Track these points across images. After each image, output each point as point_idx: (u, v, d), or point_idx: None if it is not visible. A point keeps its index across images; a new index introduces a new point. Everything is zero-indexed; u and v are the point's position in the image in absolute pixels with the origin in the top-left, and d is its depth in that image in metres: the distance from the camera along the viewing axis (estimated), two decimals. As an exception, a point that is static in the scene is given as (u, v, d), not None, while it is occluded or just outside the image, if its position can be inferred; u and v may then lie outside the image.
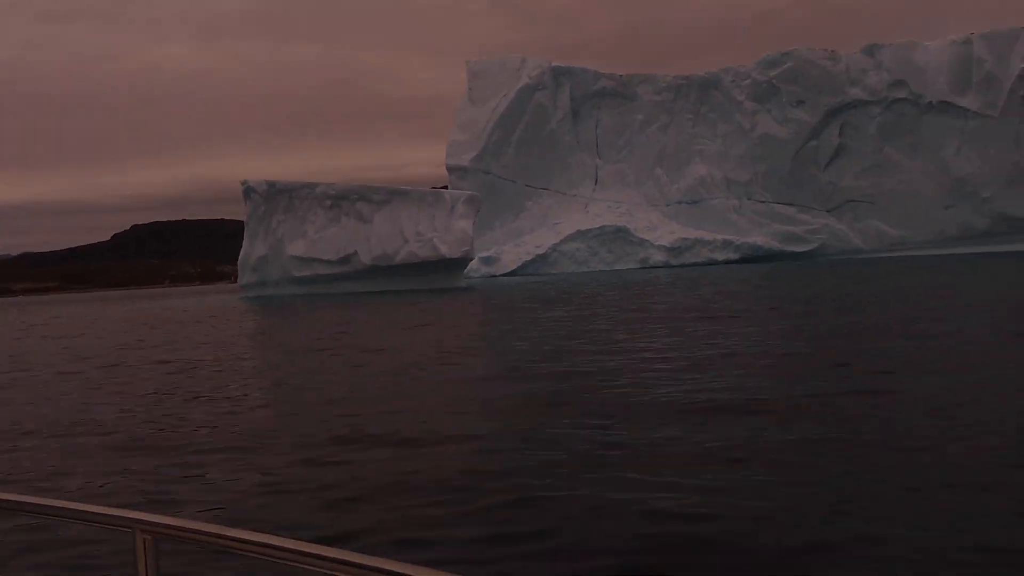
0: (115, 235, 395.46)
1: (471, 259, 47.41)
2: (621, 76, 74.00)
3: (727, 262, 67.94)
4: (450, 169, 73.27)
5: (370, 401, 10.00)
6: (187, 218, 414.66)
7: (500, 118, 72.24)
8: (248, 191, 50.07)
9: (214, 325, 28.41)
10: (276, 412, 9.94)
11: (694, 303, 24.40)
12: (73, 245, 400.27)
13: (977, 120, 60.59)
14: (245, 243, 51.41)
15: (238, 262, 52.40)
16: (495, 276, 69.62)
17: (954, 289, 24.98)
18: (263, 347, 19.60)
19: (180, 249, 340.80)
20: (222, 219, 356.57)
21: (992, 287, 24.75)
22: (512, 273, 70.17)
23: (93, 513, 1.89)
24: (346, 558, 1.52)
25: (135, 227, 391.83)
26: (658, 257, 69.28)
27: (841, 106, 65.24)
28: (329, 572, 1.53)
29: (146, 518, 1.82)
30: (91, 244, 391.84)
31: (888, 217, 64.73)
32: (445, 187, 72.79)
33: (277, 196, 48.82)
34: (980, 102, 60.34)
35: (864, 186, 65.37)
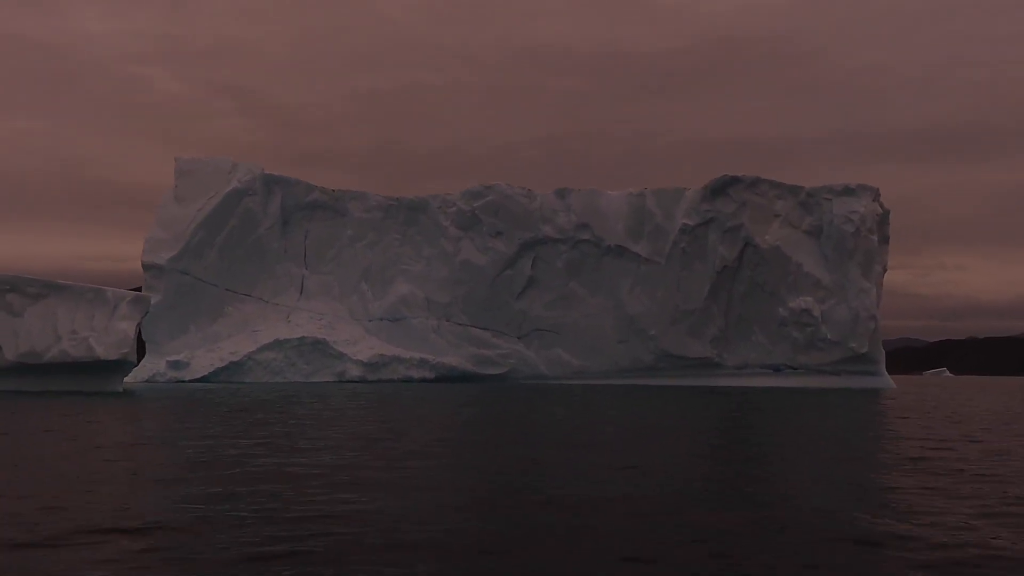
0: None
1: (132, 362, 44.76)
2: (333, 191, 75.06)
3: (423, 380, 69.33)
4: (146, 267, 69.85)
5: None
6: None
7: (205, 219, 70.44)
8: None
9: None
10: None
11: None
12: None
13: (647, 265, 67.26)
14: None
15: None
16: (183, 381, 66.42)
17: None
18: None
19: None
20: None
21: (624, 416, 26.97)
22: (203, 379, 67.27)
23: None
24: None
25: None
26: (355, 372, 69.36)
27: (534, 241, 70.02)
28: None
29: None
30: None
31: (570, 347, 69.34)
32: (139, 288, 69.34)
33: (-86, 281, 43.99)
34: (650, 249, 67.17)
35: (551, 316, 69.87)
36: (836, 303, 61.65)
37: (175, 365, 67.62)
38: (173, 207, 71.64)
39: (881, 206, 63.22)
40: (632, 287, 67.63)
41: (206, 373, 67.69)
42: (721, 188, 64.72)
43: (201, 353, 69.04)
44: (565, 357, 69.48)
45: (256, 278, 72.48)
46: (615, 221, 68.71)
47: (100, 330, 42.11)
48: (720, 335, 65.05)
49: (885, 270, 64.73)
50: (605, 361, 68.44)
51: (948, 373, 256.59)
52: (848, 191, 62.25)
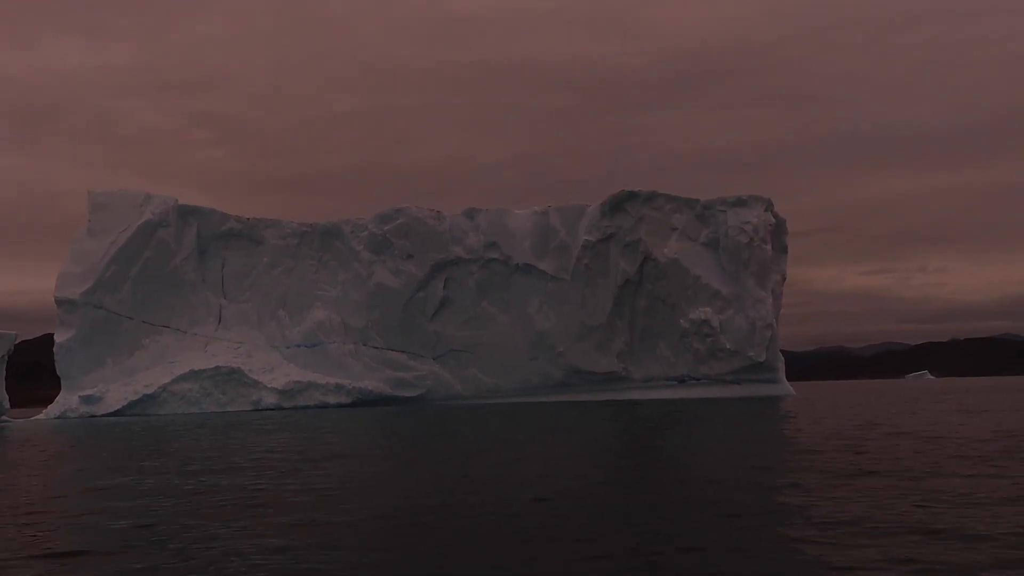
0: None
1: (-5, 401, 44.92)
2: (248, 219, 75.42)
3: (339, 405, 69.42)
4: (58, 302, 70.23)
5: None
6: None
7: (118, 252, 70.86)
8: None
9: None
10: None
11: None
12: None
13: (554, 282, 67.50)
14: None
15: None
16: (95, 416, 66.64)
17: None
18: None
19: None
20: None
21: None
22: (117, 413, 67.58)
23: None
24: None
25: None
26: (270, 399, 69.45)
27: (445, 262, 70.23)
28: None
29: None
30: None
31: (484, 366, 69.44)
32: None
33: None
34: (555, 267, 67.43)
35: (464, 336, 69.97)
36: (734, 313, 61.89)
37: (87, 400, 67.87)
38: (87, 241, 72.03)
39: (775, 216, 63.58)
40: (540, 304, 67.82)
41: (119, 407, 67.89)
42: (619, 203, 65.08)
43: (115, 387, 69.20)
44: (479, 376, 69.57)
45: (173, 309, 72.76)
46: (522, 239, 68.97)
47: (-42, 369, 42.29)
48: (626, 349, 65.23)
49: (784, 279, 65.05)
50: (518, 379, 68.56)
51: (930, 375, 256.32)
52: (740, 202, 62.59)
